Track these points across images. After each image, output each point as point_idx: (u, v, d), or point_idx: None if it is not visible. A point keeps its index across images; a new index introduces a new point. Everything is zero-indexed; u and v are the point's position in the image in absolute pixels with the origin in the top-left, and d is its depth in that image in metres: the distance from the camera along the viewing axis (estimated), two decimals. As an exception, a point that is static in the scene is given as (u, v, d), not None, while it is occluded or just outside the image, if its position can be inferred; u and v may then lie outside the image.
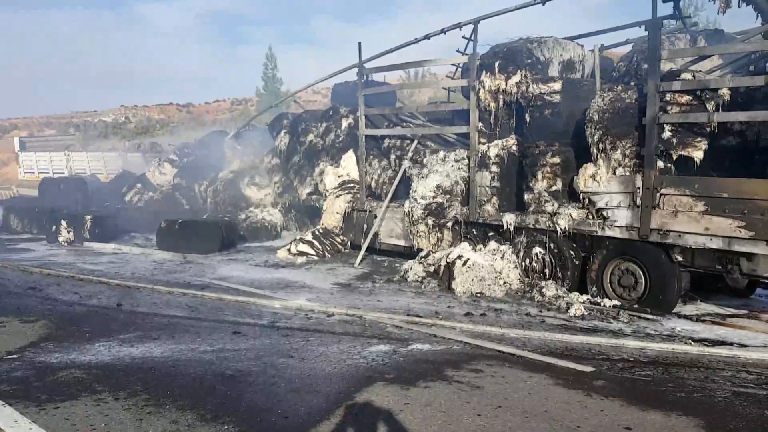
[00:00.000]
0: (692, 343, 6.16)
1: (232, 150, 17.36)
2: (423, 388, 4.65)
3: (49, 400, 4.35)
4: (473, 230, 9.51)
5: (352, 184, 12.24)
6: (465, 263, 8.35)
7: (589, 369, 5.22)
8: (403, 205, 10.43)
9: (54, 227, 13.69)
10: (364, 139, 11.70)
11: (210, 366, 5.17)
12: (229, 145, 17.64)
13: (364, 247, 11.03)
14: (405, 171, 10.71)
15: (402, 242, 10.80)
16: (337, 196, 12.30)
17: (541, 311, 7.48)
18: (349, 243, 11.99)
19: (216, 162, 17.14)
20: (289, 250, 11.67)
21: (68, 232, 13.44)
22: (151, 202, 16.94)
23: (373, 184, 11.81)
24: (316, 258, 11.37)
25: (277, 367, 5.17)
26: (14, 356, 5.43)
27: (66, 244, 13.34)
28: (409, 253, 10.39)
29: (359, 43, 11.39)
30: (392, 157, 11.31)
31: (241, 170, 15.97)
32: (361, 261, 10.90)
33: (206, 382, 4.77)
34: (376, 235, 11.16)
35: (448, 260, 8.57)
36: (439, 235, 9.80)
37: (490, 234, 9.23)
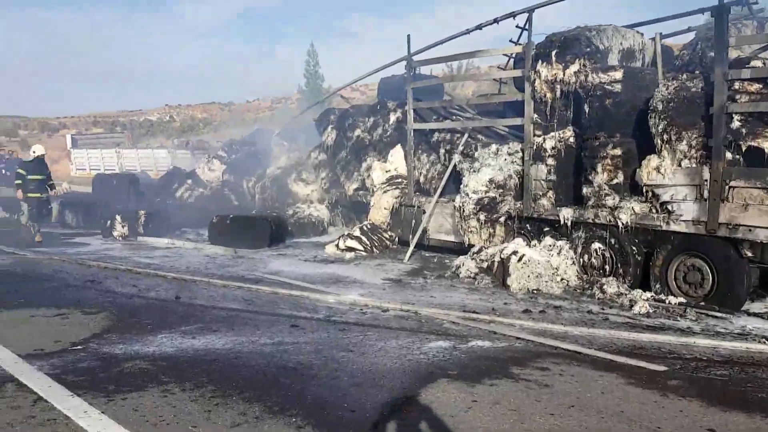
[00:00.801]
0: (767, 342, 5.86)
1: (279, 146, 17.47)
2: (489, 385, 4.52)
3: (117, 390, 4.38)
4: (527, 225, 9.29)
5: (399, 180, 12.13)
6: (520, 259, 8.15)
7: (661, 368, 5.01)
8: (453, 200, 10.27)
9: (109, 222, 14.00)
10: (412, 133, 11.57)
11: (271, 358, 5.14)
12: (276, 141, 17.77)
13: (413, 242, 10.92)
14: (455, 165, 10.55)
15: (451, 238, 10.64)
16: (384, 192, 12.21)
17: (603, 309, 7.24)
18: (396, 239, 11.88)
19: (263, 158, 17.29)
20: (337, 245, 11.65)
21: (123, 226, 13.71)
22: (200, 198, 17.19)
23: (421, 179, 11.68)
24: (364, 253, 11.31)
25: (338, 360, 5.11)
26: (79, 347, 5.51)
27: (120, 238, 13.61)
28: (459, 249, 10.23)
29: (408, 35, 11.24)
30: (442, 151, 11.15)
31: (288, 166, 16.04)
32: (410, 257, 10.79)
33: (269, 375, 4.74)
34: (424, 230, 11.03)
35: (502, 256, 8.38)
36: (491, 230, 9.60)
37: (546, 229, 8.99)
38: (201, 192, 17.54)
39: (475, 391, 4.38)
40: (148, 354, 5.26)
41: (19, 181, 13.22)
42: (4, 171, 23.14)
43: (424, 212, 11.12)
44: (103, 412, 3.98)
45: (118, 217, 13.87)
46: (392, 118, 12.54)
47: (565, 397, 4.33)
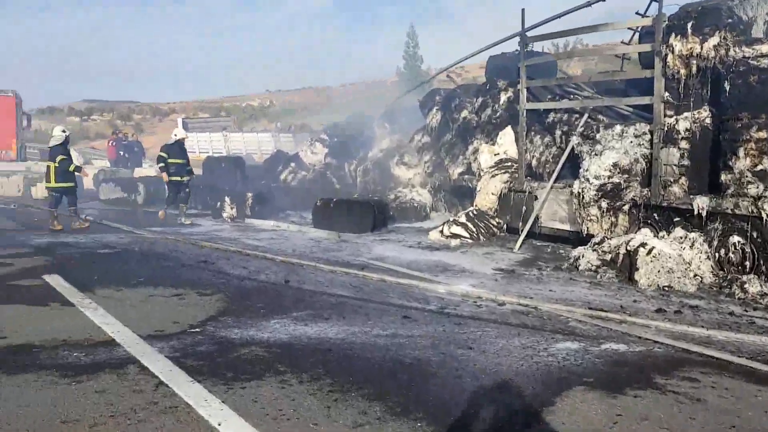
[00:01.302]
0: None
1: (381, 129, 17.31)
2: (633, 397, 4.04)
3: (235, 378, 4.28)
4: (654, 215, 8.53)
5: (509, 163, 11.59)
6: (650, 252, 7.45)
7: (833, 384, 4.33)
8: (570, 186, 9.63)
9: (218, 204, 14.41)
10: (525, 114, 10.96)
11: (386, 352, 4.91)
12: (378, 123, 17.62)
13: (525, 230, 10.38)
14: (573, 148, 9.87)
15: (567, 226, 10.01)
16: (492, 176, 11.71)
17: (746, 310, 6.47)
18: (504, 226, 11.38)
19: (365, 141, 17.20)
20: (441, 231, 11.30)
21: (232, 208, 14.07)
22: (303, 181, 17.38)
23: (533, 163, 11.09)
24: (469, 241, 10.90)
25: (458, 358, 4.79)
26: (197, 330, 5.52)
27: (229, 220, 13.97)
28: (575, 238, 9.61)
29: (522, 9, 10.60)
30: (558, 132, 10.50)
31: (390, 149, 15.86)
32: (521, 246, 10.26)
33: (386, 370, 4.50)
34: (536, 218, 10.46)
35: (628, 248, 7.69)
36: (614, 219, 8.91)
37: (676, 219, 8.21)
38: (304, 175, 17.73)
39: (617, 403, 3.92)
40: (263, 340, 5.18)
41: (162, 164, 13.77)
42: (122, 153, 24.47)
43: (536, 198, 10.55)
44: (223, 402, 3.87)
45: (227, 199, 14.24)
46: (503, 98, 11.99)
47: (723, 415, 3.78)
